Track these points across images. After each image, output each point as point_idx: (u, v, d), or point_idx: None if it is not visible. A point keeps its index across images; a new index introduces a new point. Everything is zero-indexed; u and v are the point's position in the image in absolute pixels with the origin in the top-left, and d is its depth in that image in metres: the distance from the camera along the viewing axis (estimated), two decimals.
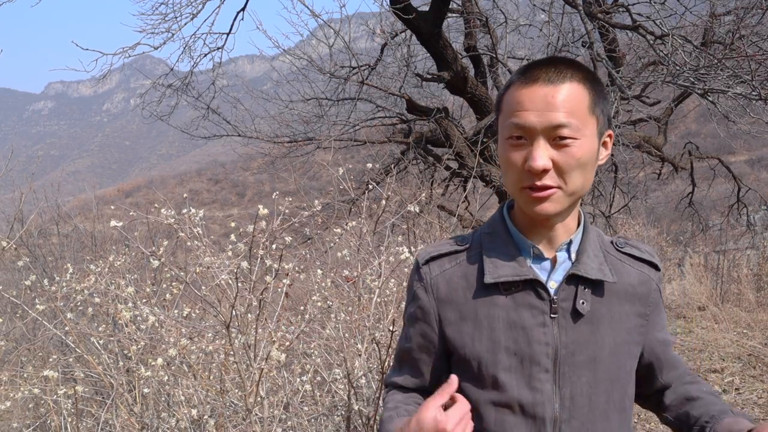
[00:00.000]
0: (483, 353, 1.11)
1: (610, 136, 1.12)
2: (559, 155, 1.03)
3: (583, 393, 1.09)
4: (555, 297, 1.09)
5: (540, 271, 1.12)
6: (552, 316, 1.09)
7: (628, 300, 1.14)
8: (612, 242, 1.19)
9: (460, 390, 1.12)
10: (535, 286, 1.10)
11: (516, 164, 1.05)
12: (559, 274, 1.11)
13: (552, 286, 1.11)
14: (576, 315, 1.09)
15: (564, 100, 1.02)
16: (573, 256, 1.13)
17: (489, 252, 1.14)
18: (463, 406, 1.05)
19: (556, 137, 1.02)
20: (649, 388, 1.26)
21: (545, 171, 1.03)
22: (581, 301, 1.09)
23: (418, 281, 1.20)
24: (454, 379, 1.07)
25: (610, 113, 1.11)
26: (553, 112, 1.01)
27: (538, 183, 1.03)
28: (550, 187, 1.04)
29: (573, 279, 1.10)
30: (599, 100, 1.06)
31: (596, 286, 1.11)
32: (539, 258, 1.13)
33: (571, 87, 1.03)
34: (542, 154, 1.02)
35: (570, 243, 1.13)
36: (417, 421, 1.01)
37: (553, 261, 1.13)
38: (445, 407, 1.04)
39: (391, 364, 1.37)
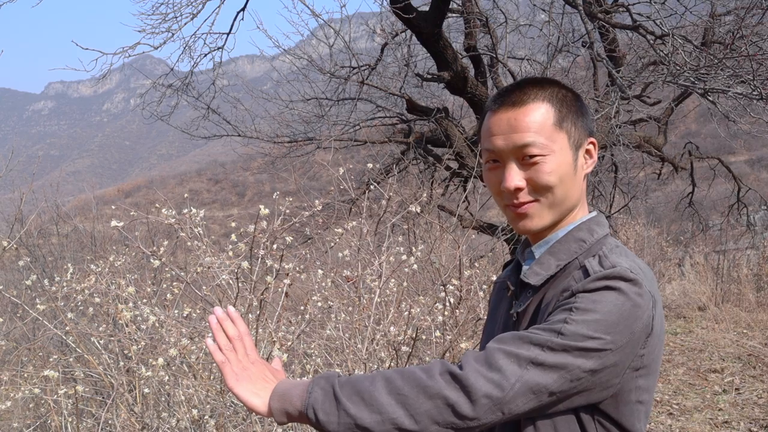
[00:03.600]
0: (486, 342, 1.23)
1: (593, 143, 1.14)
2: (531, 173, 1.07)
3: None
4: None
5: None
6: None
7: (551, 309, 1.06)
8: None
9: None
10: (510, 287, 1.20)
11: (495, 186, 1.13)
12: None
13: None
14: (514, 316, 1.16)
15: (528, 120, 1.07)
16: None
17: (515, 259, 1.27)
18: None
19: (525, 156, 1.07)
20: None
21: (519, 190, 1.08)
22: (520, 304, 1.14)
23: None
24: None
25: (588, 124, 1.14)
26: (518, 133, 1.07)
27: (515, 201, 1.10)
28: (527, 203, 1.09)
29: (522, 284, 1.16)
30: (569, 114, 1.10)
31: (536, 290, 1.12)
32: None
33: (534, 106, 1.08)
34: (513, 176, 1.08)
35: (532, 253, 1.17)
36: None
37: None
38: None
39: None
